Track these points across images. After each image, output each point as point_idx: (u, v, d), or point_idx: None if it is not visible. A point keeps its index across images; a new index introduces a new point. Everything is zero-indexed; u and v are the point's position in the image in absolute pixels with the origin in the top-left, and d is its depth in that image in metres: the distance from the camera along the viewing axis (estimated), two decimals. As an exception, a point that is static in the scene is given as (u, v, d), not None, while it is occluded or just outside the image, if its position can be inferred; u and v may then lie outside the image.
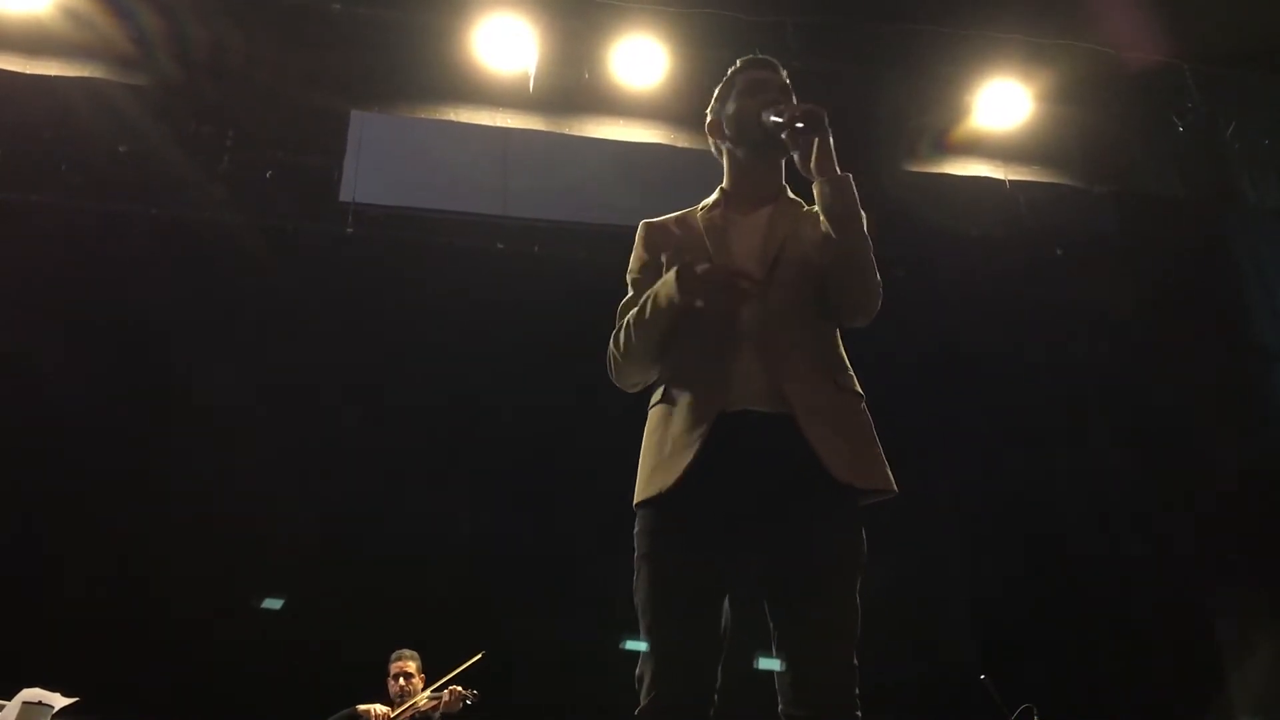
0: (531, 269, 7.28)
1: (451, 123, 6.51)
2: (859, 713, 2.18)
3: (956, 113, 6.60)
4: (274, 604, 6.44)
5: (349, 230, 6.94)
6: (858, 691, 2.17)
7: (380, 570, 6.62)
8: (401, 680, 5.81)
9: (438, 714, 5.67)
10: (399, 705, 5.70)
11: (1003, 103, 6.47)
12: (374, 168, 6.87)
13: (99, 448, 6.63)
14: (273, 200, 7.07)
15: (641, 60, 6.22)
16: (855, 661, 2.18)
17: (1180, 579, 7.24)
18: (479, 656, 5.57)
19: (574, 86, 6.42)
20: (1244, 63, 6.76)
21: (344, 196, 6.87)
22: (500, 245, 7.29)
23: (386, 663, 5.93)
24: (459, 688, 5.66)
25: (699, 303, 2.34)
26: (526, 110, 6.46)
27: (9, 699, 3.85)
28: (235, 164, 7.11)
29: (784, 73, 2.68)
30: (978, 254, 7.27)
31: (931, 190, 6.86)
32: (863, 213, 2.37)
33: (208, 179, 7.04)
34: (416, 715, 5.68)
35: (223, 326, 7.02)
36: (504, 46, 6.16)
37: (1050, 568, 7.44)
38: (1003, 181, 6.79)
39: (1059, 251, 7.44)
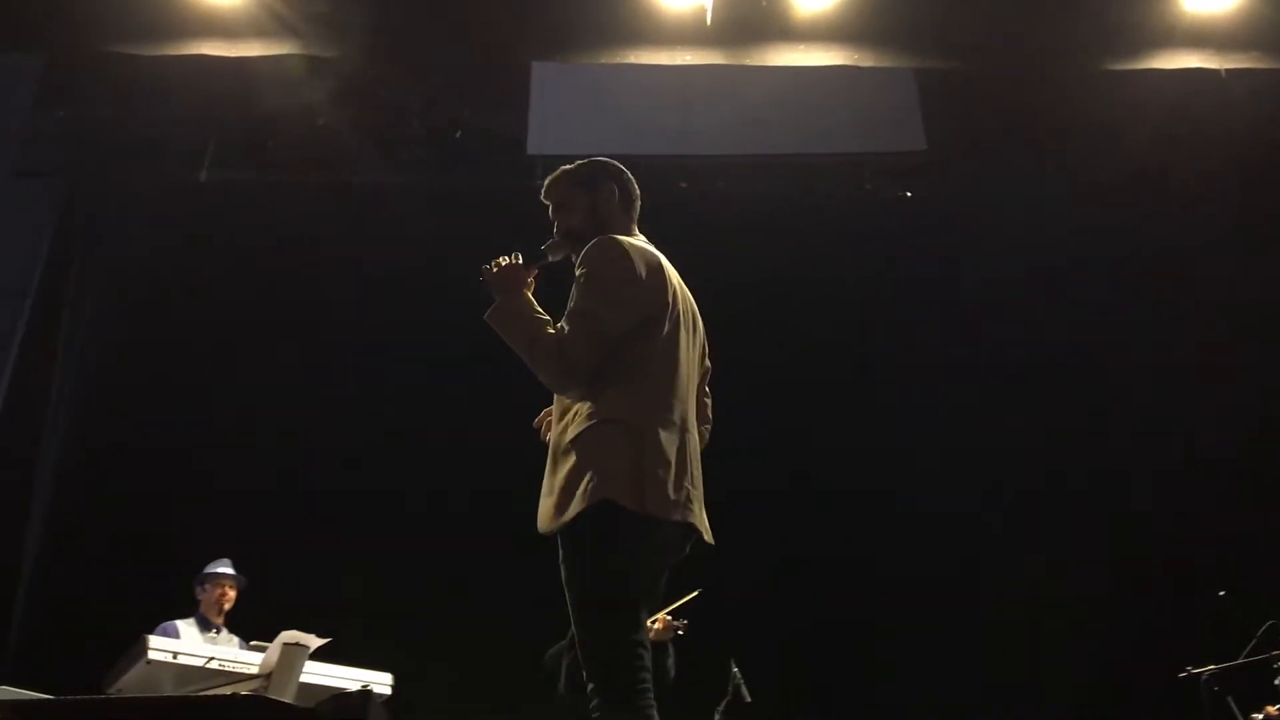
0: (716, 206, 7.24)
1: (630, 65, 6.49)
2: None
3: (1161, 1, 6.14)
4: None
5: (539, 183, 7.03)
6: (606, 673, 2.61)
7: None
8: None
9: (650, 641, 5.78)
10: None
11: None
12: (558, 118, 6.93)
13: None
14: (464, 159, 7.26)
15: (818, -20, 6.05)
16: (600, 653, 2.62)
17: None
18: (695, 594, 5.66)
19: (751, 15, 6.28)
20: None
21: (532, 149, 6.96)
22: (683, 184, 7.27)
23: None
24: (668, 617, 5.77)
25: None
26: (704, 45, 6.37)
27: (269, 642, 4.15)
28: (425, 127, 7.31)
29: (548, 202, 3.15)
30: (1191, 153, 6.80)
31: (1138, 88, 6.43)
32: (510, 320, 2.82)
33: (401, 145, 7.28)
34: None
35: (429, 289, 7.25)
36: (679, -19, 6.09)
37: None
38: (1217, 71, 6.28)
39: (1285, 142, 6.88)
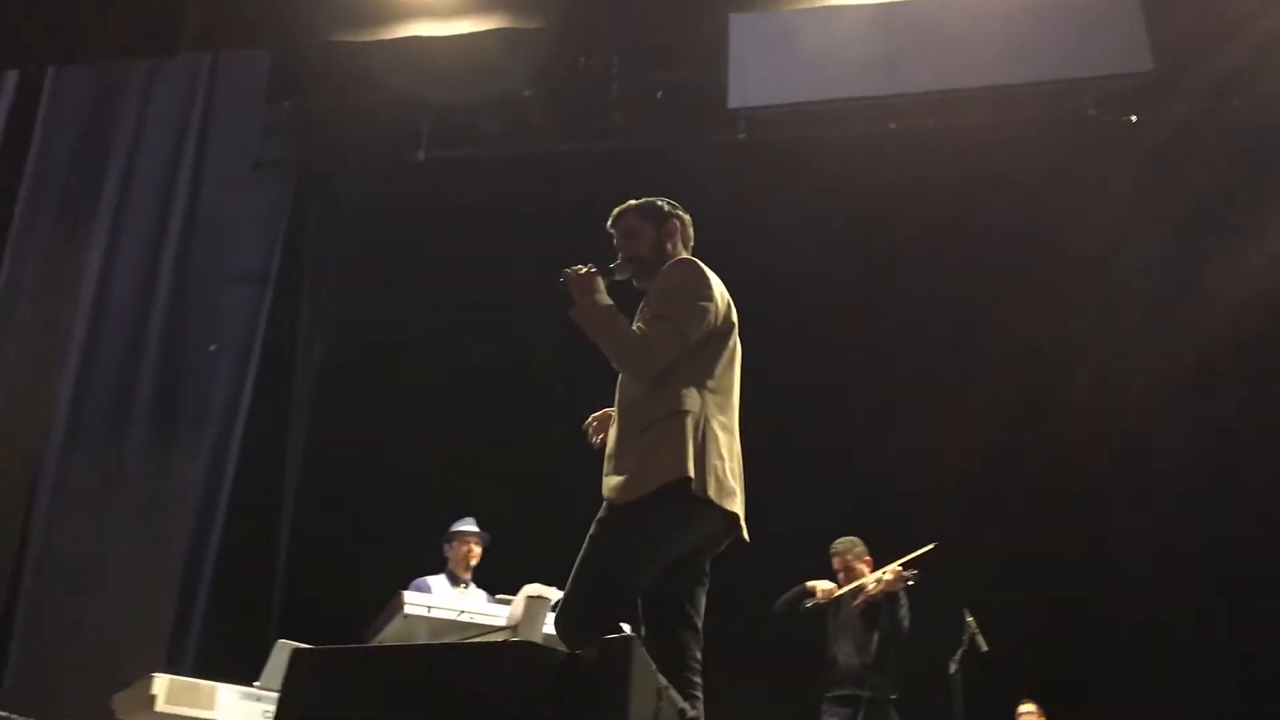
0: (929, 145, 7.03)
1: (830, 7, 6.35)
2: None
3: None
4: None
5: (741, 136, 7.01)
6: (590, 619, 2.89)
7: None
8: (843, 575, 5.94)
9: (880, 593, 5.74)
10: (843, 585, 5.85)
11: None
12: (758, 70, 6.85)
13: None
14: (666, 120, 7.29)
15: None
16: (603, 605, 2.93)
17: None
18: (931, 546, 5.57)
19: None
20: None
21: (733, 104, 6.91)
22: (892, 125, 7.08)
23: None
24: (899, 568, 5.70)
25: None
26: (909, -25, 6.16)
27: (514, 595, 4.32)
28: (625, 90, 7.37)
29: (613, 230, 3.42)
30: None
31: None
32: (595, 316, 3.15)
33: (605, 109, 7.37)
34: (866, 597, 5.78)
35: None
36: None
37: None
38: None
39: None
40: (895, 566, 5.70)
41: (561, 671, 2.02)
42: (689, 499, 2.98)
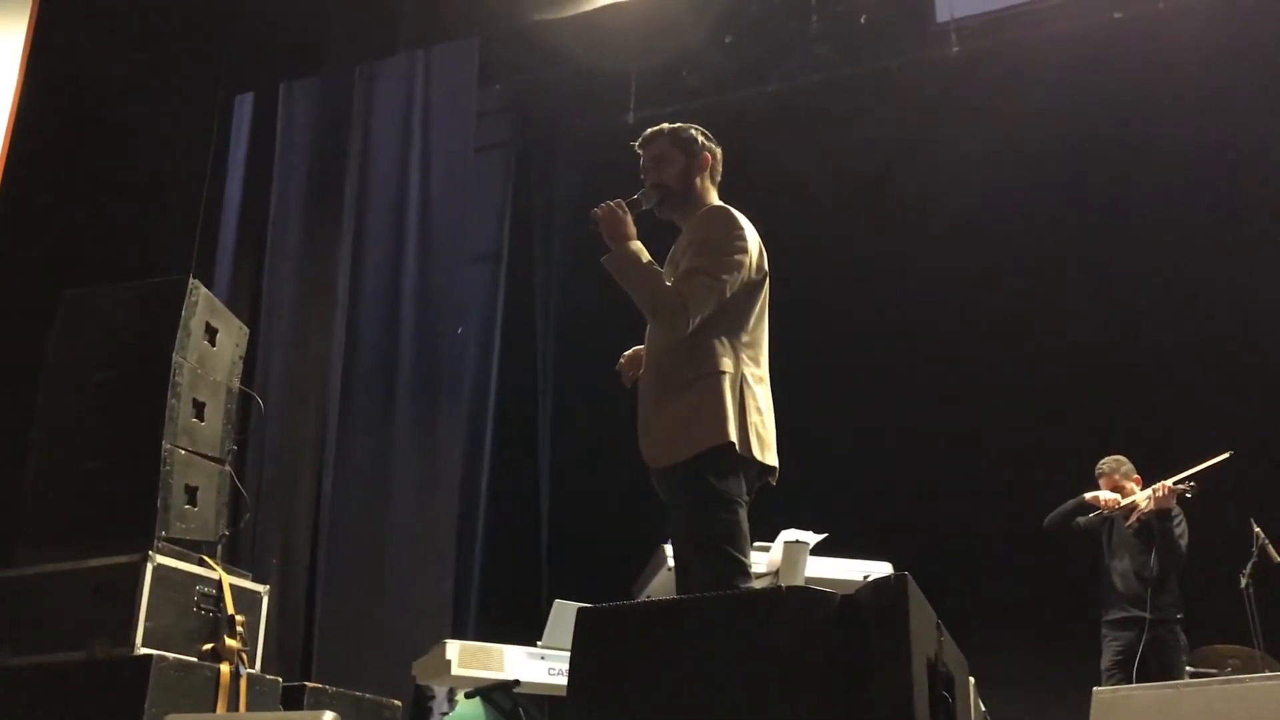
0: (1157, 30, 6.54)
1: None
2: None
3: None
4: None
5: (954, 50, 6.72)
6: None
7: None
8: (1109, 494, 5.69)
9: (1152, 510, 5.47)
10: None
11: None
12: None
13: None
14: (874, 43, 7.07)
15: None
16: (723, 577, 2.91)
17: None
18: (1226, 456, 5.22)
19: None
20: None
21: (942, 16, 6.67)
22: (1118, 15, 6.63)
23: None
24: (1168, 483, 5.41)
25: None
26: None
27: (771, 541, 4.37)
28: (825, 20, 7.20)
29: (642, 151, 3.36)
30: None
31: None
32: (630, 267, 3.10)
33: (808, 42, 7.22)
34: (1139, 515, 5.52)
35: (860, 179, 7.15)
36: None
37: None
38: None
39: None
40: (1166, 483, 5.41)
41: (841, 613, 2.04)
42: (734, 458, 3.00)
